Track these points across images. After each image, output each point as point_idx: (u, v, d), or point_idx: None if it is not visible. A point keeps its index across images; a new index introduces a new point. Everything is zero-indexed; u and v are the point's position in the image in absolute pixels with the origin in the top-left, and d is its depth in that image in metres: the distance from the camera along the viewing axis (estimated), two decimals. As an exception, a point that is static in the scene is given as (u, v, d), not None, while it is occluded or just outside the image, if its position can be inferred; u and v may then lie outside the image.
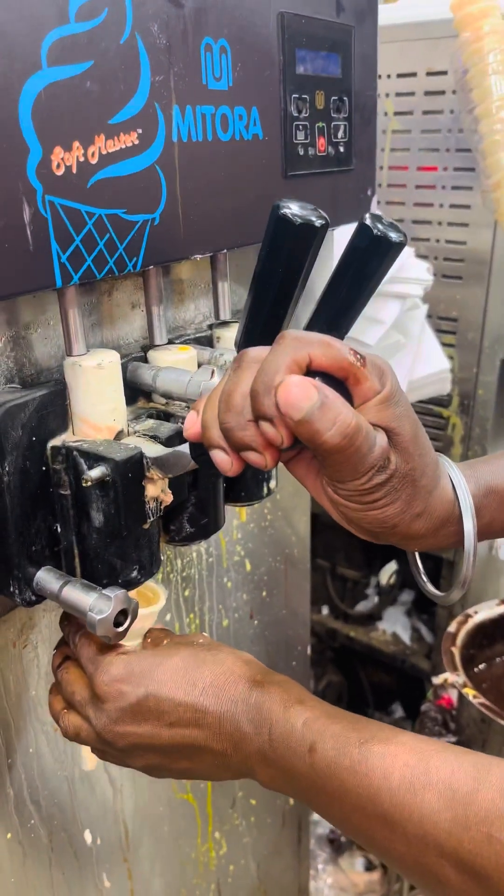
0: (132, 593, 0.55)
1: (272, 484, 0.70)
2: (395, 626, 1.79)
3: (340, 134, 0.72)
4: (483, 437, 1.37)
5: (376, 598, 1.83)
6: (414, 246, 1.35)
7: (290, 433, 0.41)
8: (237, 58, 0.58)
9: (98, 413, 0.52)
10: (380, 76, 1.31)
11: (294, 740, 0.46)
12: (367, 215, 0.54)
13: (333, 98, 0.70)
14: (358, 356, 0.43)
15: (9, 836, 0.67)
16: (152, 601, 0.61)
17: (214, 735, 0.50)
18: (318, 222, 0.47)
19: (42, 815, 0.70)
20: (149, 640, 0.59)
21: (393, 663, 1.73)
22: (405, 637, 1.76)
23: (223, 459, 0.44)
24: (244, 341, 0.52)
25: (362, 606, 1.83)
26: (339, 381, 0.43)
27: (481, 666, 1.27)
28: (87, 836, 0.76)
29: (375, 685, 1.88)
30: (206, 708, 0.49)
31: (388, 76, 1.30)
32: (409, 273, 0.96)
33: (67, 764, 0.71)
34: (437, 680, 1.33)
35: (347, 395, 0.44)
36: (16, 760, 0.65)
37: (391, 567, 1.80)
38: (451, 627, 1.24)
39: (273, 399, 0.40)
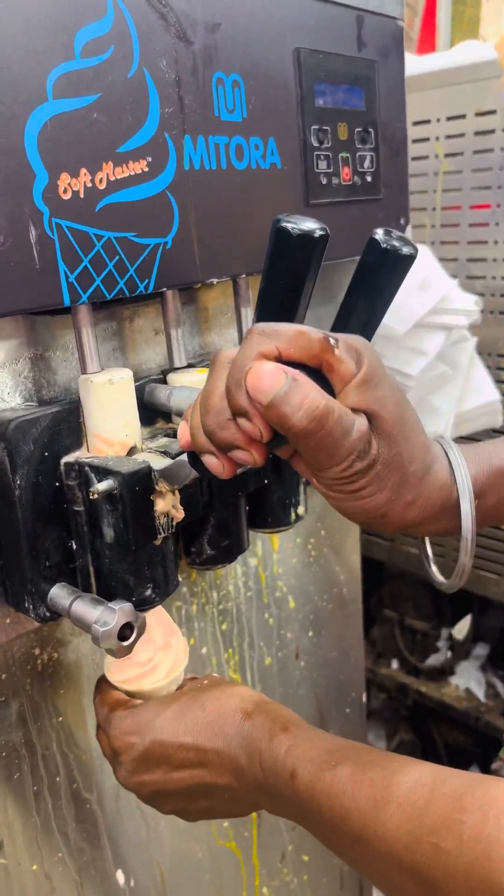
0: (171, 645, 0.56)
1: (300, 510, 0.69)
2: (469, 681, 1.70)
3: (367, 164, 0.73)
4: (550, 478, 1.32)
5: (448, 652, 1.75)
6: (469, 283, 1.33)
7: (267, 424, 0.40)
8: (251, 91, 0.60)
9: (110, 428, 0.53)
10: (428, 120, 1.33)
11: (279, 768, 0.46)
12: (378, 230, 0.54)
13: (358, 129, 0.71)
14: (330, 340, 0.42)
15: (34, 867, 0.66)
16: (178, 661, 0.60)
17: (217, 771, 0.51)
18: (317, 233, 0.48)
19: (70, 848, 0.68)
20: None
21: (466, 721, 1.64)
22: (479, 693, 1.67)
23: (214, 463, 0.44)
24: None
25: (433, 660, 1.75)
26: (318, 371, 0.42)
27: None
28: (120, 877, 0.75)
29: (450, 745, 1.78)
30: (205, 746, 0.51)
31: (438, 120, 1.31)
32: (455, 304, 0.95)
33: (98, 794, 0.70)
34: (508, 736, 1.25)
35: (329, 385, 0.43)
36: (42, 788, 0.65)
37: (466, 620, 1.73)
38: (519, 677, 1.17)
39: (244, 391, 0.40)
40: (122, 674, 0.57)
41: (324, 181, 0.68)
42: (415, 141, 1.35)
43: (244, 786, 0.49)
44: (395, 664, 1.82)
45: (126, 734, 0.53)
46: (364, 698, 1.11)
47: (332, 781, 0.42)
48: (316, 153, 0.67)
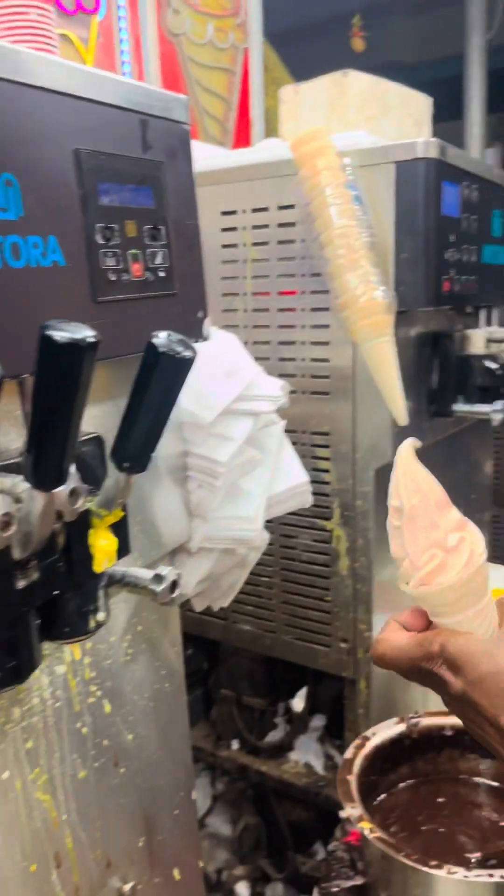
0: None
1: (100, 616, 0.65)
2: (308, 754, 1.70)
3: (159, 260, 0.74)
4: (367, 548, 1.37)
5: (286, 727, 1.74)
6: (282, 365, 1.38)
7: None
8: (27, 190, 0.59)
9: None
10: (236, 211, 1.38)
11: None
12: (158, 333, 0.54)
13: (147, 227, 0.72)
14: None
15: None
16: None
17: None
18: (86, 341, 0.46)
19: None
20: None
21: (307, 797, 1.63)
22: (318, 766, 1.66)
23: None
24: (26, 454, 0.51)
25: (272, 737, 1.73)
26: None
27: (383, 795, 1.19)
28: None
29: (294, 824, 1.75)
30: None
31: (244, 211, 1.37)
32: (260, 391, 0.97)
33: None
34: (343, 814, 1.24)
35: None
36: None
37: (302, 692, 1.73)
38: (348, 753, 1.17)
39: None
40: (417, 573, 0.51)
41: (112, 277, 0.68)
42: (224, 230, 1.40)
43: None
44: (235, 745, 1.78)
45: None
46: (194, 795, 1.07)
47: None
48: (102, 250, 0.66)
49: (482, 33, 6.51)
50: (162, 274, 0.74)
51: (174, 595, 0.71)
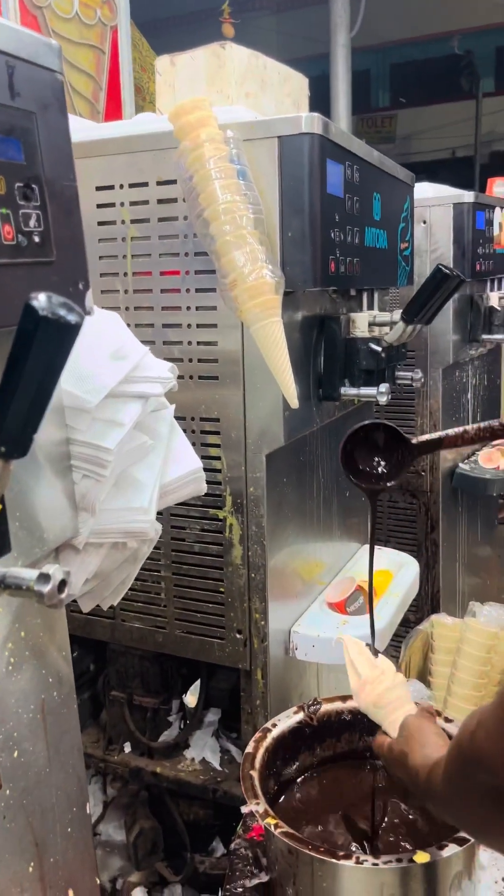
0: None
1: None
2: (204, 750, 1.65)
3: (33, 223, 0.66)
4: (261, 535, 1.33)
5: (181, 724, 1.68)
6: (167, 349, 1.32)
7: None
8: None
9: None
10: (112, 186, 1.30)
11: None
12: (37, 295, 0.47)
13: (18, 184, 0.64)
14: None
15: None
16: None
17: None
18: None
19: None
20: None
21: (205, 795, 1.58)
22: (215, 762, 1.62)
23: None
24: None
25: (166, 736, 1.67)
26: None
27: (286, 788, 1.17)
28: None
29: (192, 823, 1.70)
30: None
31: (121, 186, 1.30)
32: (149, 372, 0.91)
33: None
34: (244, 809, 1.20)
35: None
36: None
37: (196, 686, 1.68)
38: (249, 747, 1.14)
39: None
40: None
41: (-21, 240, 0.60)
42: (100, 206, 1.32)
43: None
44: (127, 748, 1.71)
45: None
46: (88, 809, 0.99)
47: None
48: (-33, 208, 0.58)
49: (346, 32, 6.66)
50: (37, 239, 0.66)
51: (62, 595, 0.64)
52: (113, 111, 2.92)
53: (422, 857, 0.89)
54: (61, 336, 0.46)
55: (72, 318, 0.47)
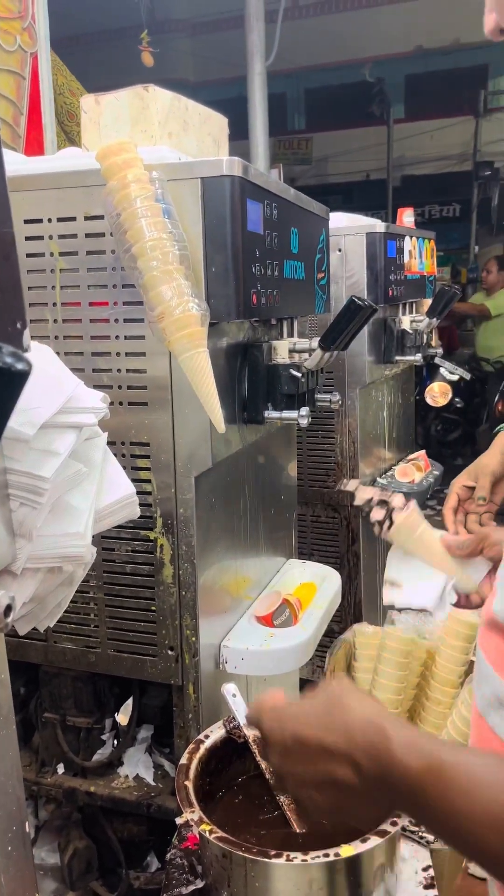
0: None
1: None
2: (137, 766, 1.68)
3: (-26, 270, 0.70)
4: (191, 554, 1.39)
5: (114, 742, 1.71)
6: (97, 376, 1.36)
7: None
8: None
9: None
10: (41, 220, 1.35)
11: None
12: (-14, 347, 0.52)
13: (-39, 235, 0.69)
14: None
15: None
16: None
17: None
18: None
19: None
20: None
21: (139, 810, 1.61)
22: (148, 777, 1.66)
23: None
24: None
25: (100, 755, 1.69)
26: None
27: (219, 796, 1.22)
28: None
29: (126, 840, 1.73)
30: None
31: (49, 220, 1.34)
32: (82, 403, 0.96)
33: None
34: (179, 820, 1.25)
35: None
36: None
37: (128, 704, 1.71)
38: (183, 759, 1.18)
39: None
40: None
41: None
42: (28, 238, 1.36)
43: None
44: (60, 769, 1.72)
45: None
46: (27, 827, 1.02)
47: None
48: None
49: (262, 60, 6.84)
50: (-22, 285, 0.71)
51: (8, 620, 0.68)
52: (34, 136, 2.94)
53: (347, 851, 0.96)
54: (12, 385, 0.51)
55: (20, 366, 0.52)
